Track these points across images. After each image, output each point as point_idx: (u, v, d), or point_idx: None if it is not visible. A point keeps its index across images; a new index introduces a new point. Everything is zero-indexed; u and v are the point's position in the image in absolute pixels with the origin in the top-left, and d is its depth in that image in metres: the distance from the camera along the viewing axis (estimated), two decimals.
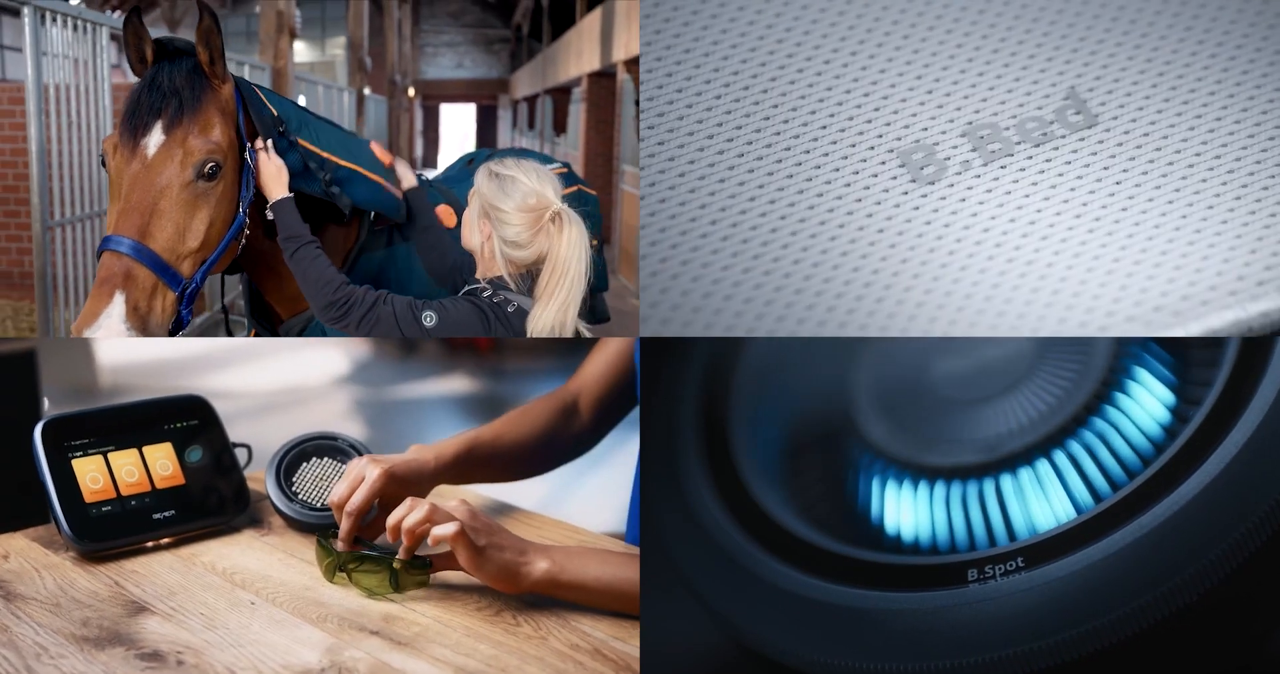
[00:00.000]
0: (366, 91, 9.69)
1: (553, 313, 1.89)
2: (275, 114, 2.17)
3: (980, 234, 1.44)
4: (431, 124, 23.03)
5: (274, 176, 2.09)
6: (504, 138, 22.15)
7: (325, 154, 2.24)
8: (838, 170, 1.48)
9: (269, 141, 2.10)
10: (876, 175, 1.48)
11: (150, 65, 2.04)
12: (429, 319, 1.94)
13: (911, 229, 1.45)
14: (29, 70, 3.72)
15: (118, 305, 1.87)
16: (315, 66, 16.85)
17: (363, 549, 1.50)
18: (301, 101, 6.81)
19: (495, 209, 1.91)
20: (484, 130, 23.59)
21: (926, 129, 1.50)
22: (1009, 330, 1.41)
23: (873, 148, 1.50)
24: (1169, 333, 1.39)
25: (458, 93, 22.35)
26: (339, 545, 1.50)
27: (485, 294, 1.95)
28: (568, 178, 2.84)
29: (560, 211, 1.91)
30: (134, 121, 1.98)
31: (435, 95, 22.02)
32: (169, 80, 2.00)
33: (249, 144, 2.08)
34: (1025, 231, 1.44)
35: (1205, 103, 1.50)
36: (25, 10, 3.67)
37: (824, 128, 1.50)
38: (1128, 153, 1.47)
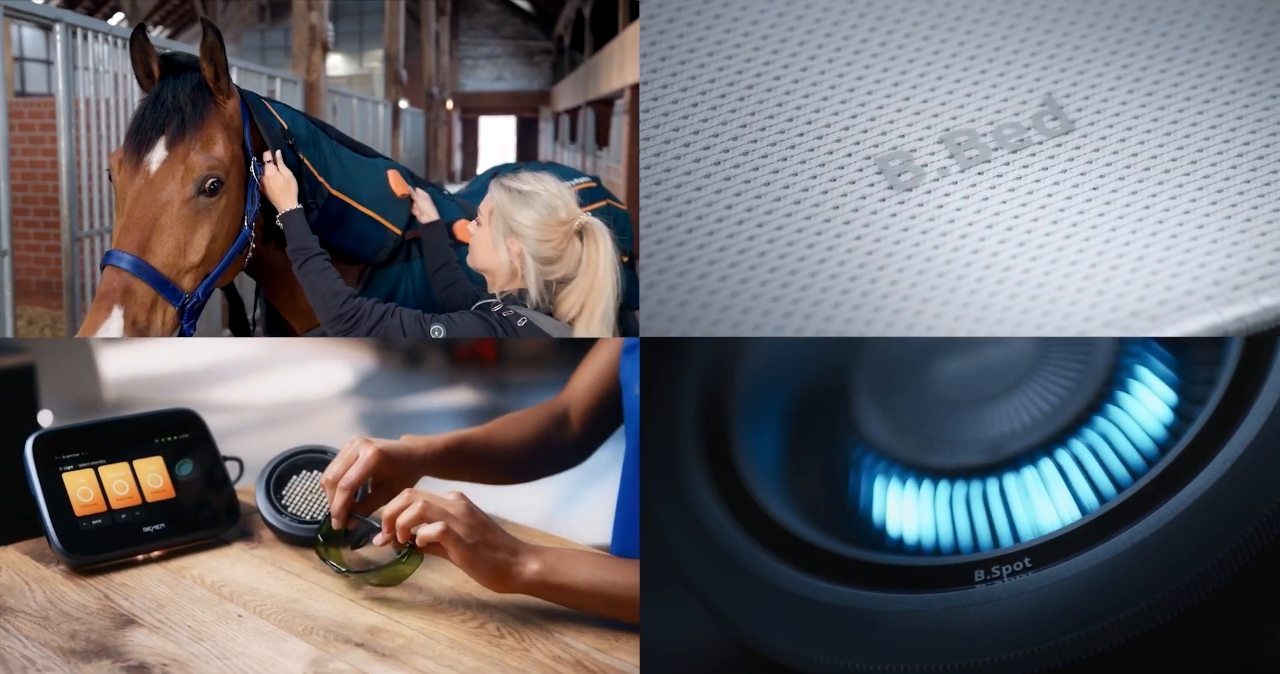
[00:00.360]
0: (403, 104, 9.76)
1: (596, 324, 1.90)
2: (285, 127, 2.19)
3: (958, 240, 1.44)
4: (470, 137, 23.11)
5: (283, 188, 2.11)
6: (545, 150, 22.23)
7: (320, 178, 2.25)
8: (815, 177, 1.49)
9: (277, 153, 2.12)
10: (854, 182, 1.49)
11: (157, 81, 2.07)
12: (437, 332, 1.95)
13: (889, 236, 1.45)
14: (60, 85, 3.78)
15: (115, 320, 1.90)
16: (353, 80, 16.96)
17: (356, 524, 1.53)
18: (331, 116, 6.86)
19: (524, 226, 1.91)
20: (524, 143, 23.66)
21: (904, 136, 1.50)
22: (987, 334, 1.41)
23: (850, 155, 1.50)
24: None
25: (498, 105, 22.43)
26: (334, 523, 1.54)
27: (495, 308, 1.95)
28: (596, 192, 2.84)
29: (587, 223, 1.93)
30: (138, 137, 2.01)
31: (475, 108, 22.11)
32: (173, 96, 2.02)
33: (255, 158, 2.10)
34: (1003, 238, 1.44)
35: (1181, 108, 1.50)
36: (57, 27, 3.74)
37: (801, 135, 1.51)
38: (1104, 158, 1.47)
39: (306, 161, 2.21)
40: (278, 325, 2.48)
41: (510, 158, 23.64)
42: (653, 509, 1.43)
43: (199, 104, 2.03)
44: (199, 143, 2.00)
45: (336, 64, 18.29)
